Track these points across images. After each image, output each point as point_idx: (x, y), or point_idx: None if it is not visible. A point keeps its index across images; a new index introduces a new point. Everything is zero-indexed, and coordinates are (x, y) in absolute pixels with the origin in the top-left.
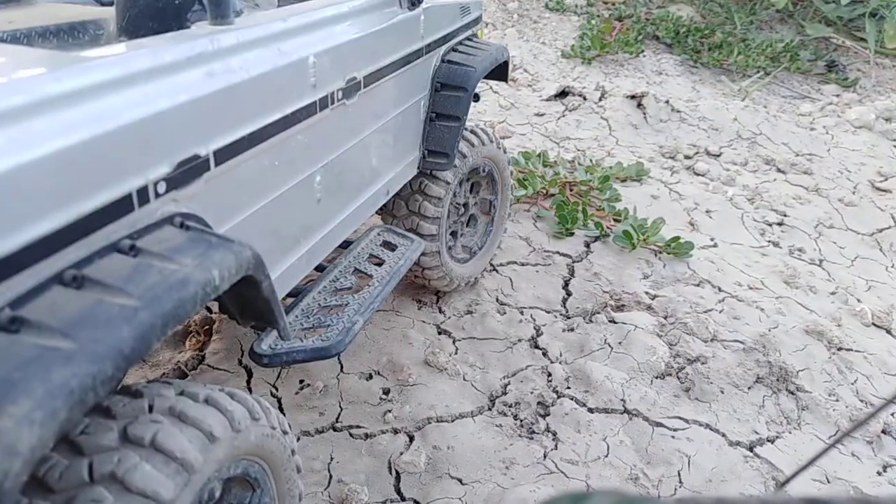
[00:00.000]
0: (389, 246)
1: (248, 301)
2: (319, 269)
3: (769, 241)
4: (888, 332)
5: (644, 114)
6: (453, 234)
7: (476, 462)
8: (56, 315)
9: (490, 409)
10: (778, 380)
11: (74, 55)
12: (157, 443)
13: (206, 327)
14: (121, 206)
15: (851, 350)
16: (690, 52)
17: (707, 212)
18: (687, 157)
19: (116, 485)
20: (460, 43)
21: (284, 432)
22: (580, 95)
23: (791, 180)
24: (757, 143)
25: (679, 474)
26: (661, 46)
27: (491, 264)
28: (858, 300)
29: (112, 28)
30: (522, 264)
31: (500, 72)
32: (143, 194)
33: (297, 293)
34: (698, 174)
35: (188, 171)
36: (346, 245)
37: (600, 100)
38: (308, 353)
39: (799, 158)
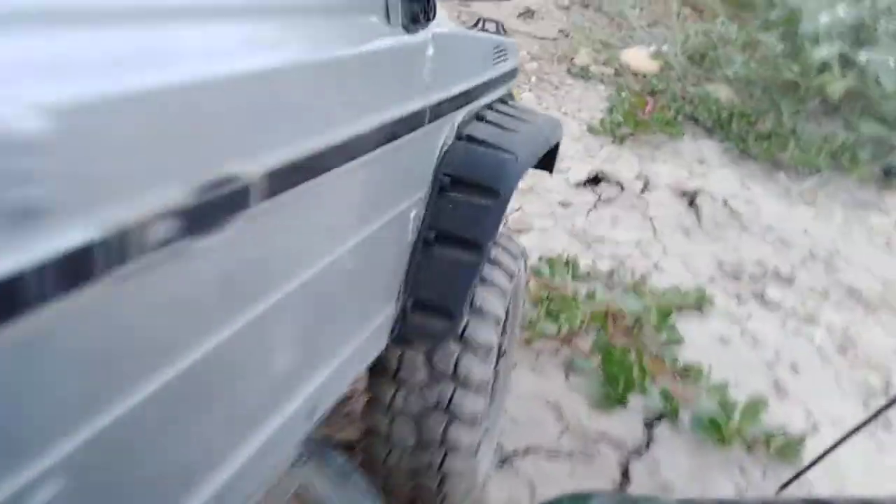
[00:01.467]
0: None
1: None
2: None
3: (877, 413)
4: None
5: (698, 215)
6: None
7: None
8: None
9: None
10: None
11: None
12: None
13: None
14: None
15: None
16: (736, 140)
17: (792, 367)
18: (753, 280)
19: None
20: (490, 105)
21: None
22: (617, 184)
23: (886, 323)
24: (833, 265)
25: None
26: (699, 130)
27: (502, 454)
28: None
29: None
30: (551, 455)
31: (547, 159)
32: None
33: None
34: (768, 304)
35: None
36: None
37: (642, 192)
38: None
39: (889, 290)
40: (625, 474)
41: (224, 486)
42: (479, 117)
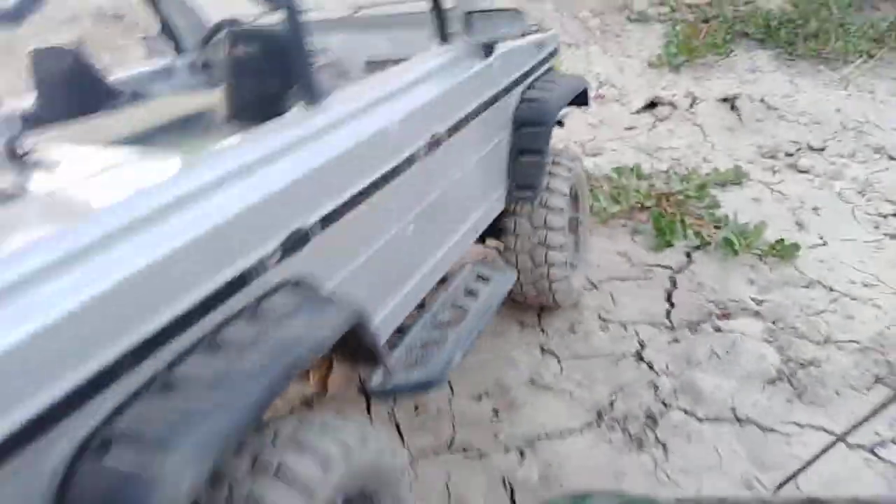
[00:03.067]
0: (483, 279)
1: (355, 347)
2: (421, 305)
3: (885, 234)
4: None
5: (738, 115)
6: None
7: (588, 475)
8: (200, 377)
9: (599, 425)
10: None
11: (194, 157)
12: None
13: (327, 363)
14: (242, 280)
15: None
16: (784, 45)
17: (814, 209)
18: (788, 155)
19: None
20: (538, 79)
21: (395, 453)
22: (670, 104)
23: None
24: (864, 132)
25: (795, 482)
26: (752, 43)
27: (591, 282)
28: None
29: (221, 116)
30: (623, 279)
31: (580, 99)
32: (259, 267)
33: (402, 329)
34: (802, 171)
35: (296, 242)
36: (444, 280)
37: (691, 106)
38: (412, 387)
39: None
40: (673, 284)
41: (437, 264)
42: (531, 87)
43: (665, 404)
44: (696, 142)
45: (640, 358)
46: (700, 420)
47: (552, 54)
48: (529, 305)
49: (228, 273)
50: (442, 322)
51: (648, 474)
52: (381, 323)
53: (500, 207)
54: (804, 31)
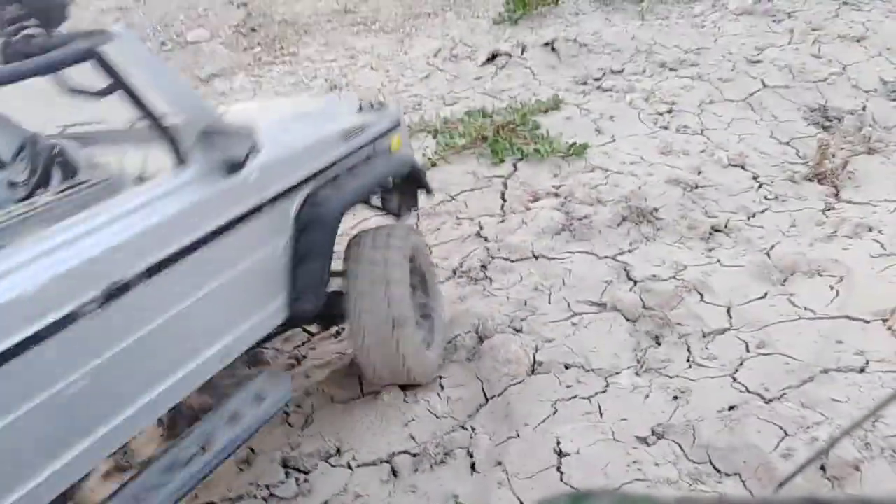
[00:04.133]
0: (259, 399)
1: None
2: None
3: (660, 127)
4: (742, 168)
5: (558, 55)
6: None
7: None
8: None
9: (454, 276)
10: (639, 216)
11: None
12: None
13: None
14: None
15: (704, 187)
16: None
17: (611, 117)
18: (595, 80)
19: None
20: (343, 170)
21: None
22: (506, 55)
23: (681, 74)
24: (653, 51)
25: (563, 280)
26: None
27: (448, 195)
28: (725, 150)
29: None
30: (471, 190)
31: (413, 183)
32: None
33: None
34: (605, 90)
35: None
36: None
37: (522, 54)
38: None
39: (688, 55)
40: (504, 185)
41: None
42: (325, 184)
43: (492, 256)
44: (527, 82)
45: (479, 235)
46: (512, 262)
47: (380, 135)
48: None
49: None
50: (178, 462)
51: (478, 294)
52: (55, 479)
53: (274, 323)
54: None
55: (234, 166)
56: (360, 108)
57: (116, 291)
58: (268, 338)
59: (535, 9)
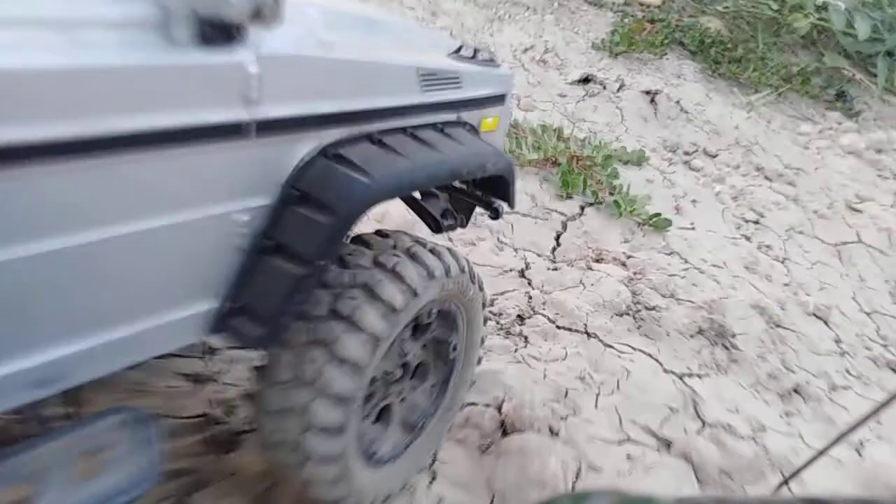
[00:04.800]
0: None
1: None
2: None
3: (742, 235)
4: (825, 322)
5: (655, 109)
6: (379, 417)
7: None
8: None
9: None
10: (717, 335)
11: None
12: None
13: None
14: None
15: (788, 329)
16: (710, 62)
17: (693, 201)
18: (686, 153)
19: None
20: (407, 130)
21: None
22: (601, 84)
23: (775, 188)
24: (752, 151)
25: (618, 382)
26: (684, 53)
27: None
28: (807, 294)
29: None
30: (524, 215)
31: (497, 189)
32: None
33: None
34: (693, 169)
35: None
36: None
37: (618, 90)
38: None
39: (787, 171)
40: (564, 227)
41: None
42: (371, 139)
43: (533, 310)
44: (614, 122)
45: (522, 275)
46: (558, 327)
47: (477, 102)
48: None
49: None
50: None
51: (508, 353)
52: None
53: (182, 340)
54: (730, 54)
55: (218, 32)
56: (459, 50)
57: None
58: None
59: (641, 51)
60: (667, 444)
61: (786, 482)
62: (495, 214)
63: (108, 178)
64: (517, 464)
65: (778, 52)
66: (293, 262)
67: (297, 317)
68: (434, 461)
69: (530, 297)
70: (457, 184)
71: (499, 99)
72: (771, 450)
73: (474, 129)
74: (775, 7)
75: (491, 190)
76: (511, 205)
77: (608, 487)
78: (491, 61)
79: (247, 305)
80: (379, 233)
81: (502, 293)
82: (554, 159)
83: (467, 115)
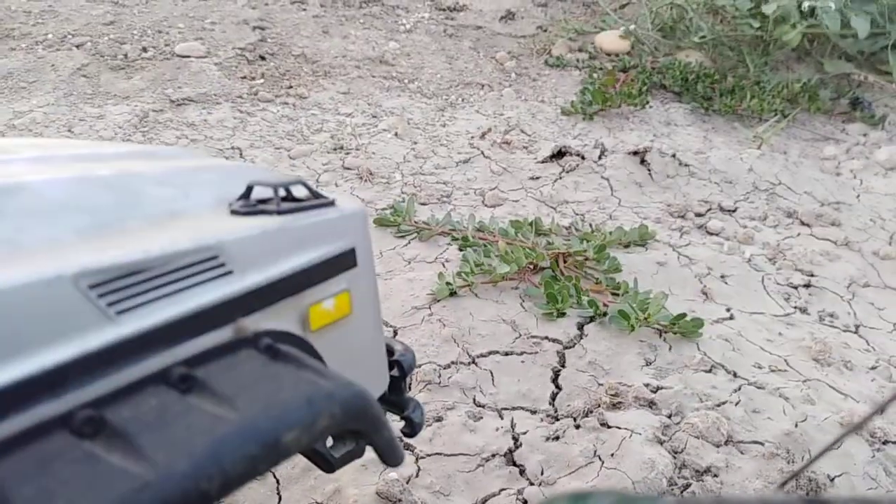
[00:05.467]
0: None
1: None
2: None
3: (795, 307)
4: None
5: (649, 170)
6: None
7: None
8: None
9: None
10: (807, 493)
11: None
12: None
13: None
14: None
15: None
16: (700, 100)
17: (722, 277)
18: (698, 216)
19: None
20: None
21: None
22: (578, 155)
23: (817, 234)
24: (776, 194)
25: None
26: (668, 95)
27: (469, 355)
28: None
29: None
30: (506, 354)
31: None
32: None
33: None
34: (711, 233)
35: None
36: None
37: (600, 158)
38: None
39: (825, 209)
40: (562, 362)
41: None
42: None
43: None
44: (602, 196)
45: (511, 461)
46: None
47: (291, 283)
48: None
49: None
50: None
51: None
52: None
53: None
54: (721, 86)
55: None
56: (248, 195)
57: None
58: None
59: (618, 106)
60: None
61: (786, 482)
62: (410, 429)
63: None
64: None
65: (772, 73)
66: None
67: None
68: None
69: (524, 501)
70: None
71: (341, 261)
72: None
73: (291, 339)
74: (756, 25)
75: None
76: (390, 460)
77: (608, 488)
78: (316, 197)
79: None
80: None
81: (485, 501)
82: (534, 265)
83: (266, 316)
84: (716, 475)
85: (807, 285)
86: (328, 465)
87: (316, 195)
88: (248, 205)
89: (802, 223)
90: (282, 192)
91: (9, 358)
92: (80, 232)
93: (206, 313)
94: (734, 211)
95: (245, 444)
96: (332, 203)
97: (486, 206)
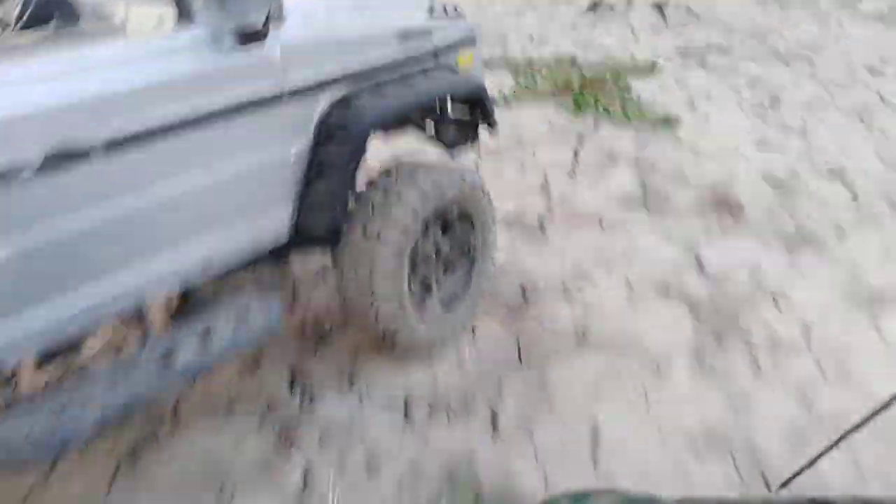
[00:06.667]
0: (241, 319)
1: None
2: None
3: (758, 118)
4: (841, 181)
5: (665, 19)
6: (426, 286)
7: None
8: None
9: (504, 226)
10: (720, 204)
11: None
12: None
13: None
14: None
15: (795, 190)
16: None
17: (708, 97)
18: (698, 53)
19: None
20: (401, 78)
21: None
22: (609, 6)
23: (794, 69)
24: (768, 39)
25: (628, 256)
26: None
27: (518, 139)
28: (825, 159)
29: None
30: (545, 139)
31: (476, 112)
32: None
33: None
34: (706, 67)
35: None
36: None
37: (627, 9)
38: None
39: (804, 50)
40: (580, 140)
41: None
42: (369, 88)
43: (553, 213)
44: (625, 39)
45: (542, 189)
46: (574, 224)
47: (448, 47)
48: None
49: None
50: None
51: (533, 251)
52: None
53: (269, 241)
54: None
55: (249, 36)
56: (431, 9)
57: (65, 158)
58: (262, 257)
59: None
60: (666, 291)
61: (786, 483)
62: (491, 126)
63: (209, 140)
64: (534, 319)
65: None
66: (333, 177)
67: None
68: (473, 332)
69: (550, 205)
70: (454, 116)
71: (469, 41)
72: (765, 284)
73: (452, 67)
74: None
75: (478, 113)
76: (490, 122)
77: (608, 487)
78: (457, 13)
79: (311, 211)
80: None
81: (527, 206)
82: (568, 86)
83: (443, 58)
84: (667, 198)
85: (771, 105)
86: (451, 148)
87: (457, 12)
88: (434, 11)
89: (783, 62)
90: (450, 8)
91: (378, 55)
92: (387, 17)
93: (426, 51)
94: (730, 51)
95: (462, 84)
96: (464, 16)
97: (533, 44)
